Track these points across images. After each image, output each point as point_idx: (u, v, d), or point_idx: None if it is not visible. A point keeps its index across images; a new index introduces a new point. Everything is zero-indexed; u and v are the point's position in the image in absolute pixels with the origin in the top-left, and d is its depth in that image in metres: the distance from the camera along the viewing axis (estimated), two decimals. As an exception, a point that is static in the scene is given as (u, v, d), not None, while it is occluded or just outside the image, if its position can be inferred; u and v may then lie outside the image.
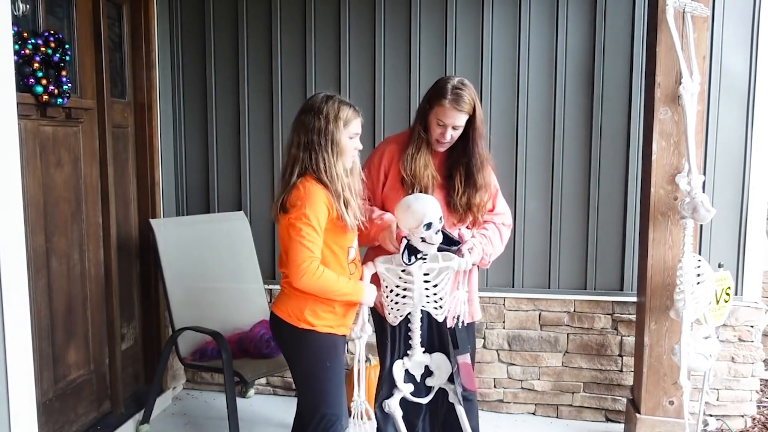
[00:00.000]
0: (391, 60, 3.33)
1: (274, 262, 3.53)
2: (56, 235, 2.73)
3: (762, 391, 3.56)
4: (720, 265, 2.80)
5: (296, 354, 2.15)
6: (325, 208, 2.03)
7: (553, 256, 3.29)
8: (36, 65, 2.47)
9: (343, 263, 2.15)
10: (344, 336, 2.21)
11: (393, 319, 2.25)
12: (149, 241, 3.23)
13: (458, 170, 2.29)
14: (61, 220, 2.76)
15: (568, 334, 3.31)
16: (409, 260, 2.14)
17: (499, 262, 3.26)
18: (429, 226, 2.06)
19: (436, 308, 2.22)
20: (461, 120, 2.21)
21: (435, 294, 2.21)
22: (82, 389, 2.93)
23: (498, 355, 3.38)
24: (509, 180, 3.26)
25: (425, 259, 2.16)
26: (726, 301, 2.78)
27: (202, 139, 3.55)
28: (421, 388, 2.35)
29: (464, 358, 2.36)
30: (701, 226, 3.06)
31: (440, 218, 2.10)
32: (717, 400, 3.19)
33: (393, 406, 2.32)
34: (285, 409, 3.47)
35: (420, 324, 2.27)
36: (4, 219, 2.00)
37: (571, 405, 3.36)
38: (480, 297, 3.28)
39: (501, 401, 3.40)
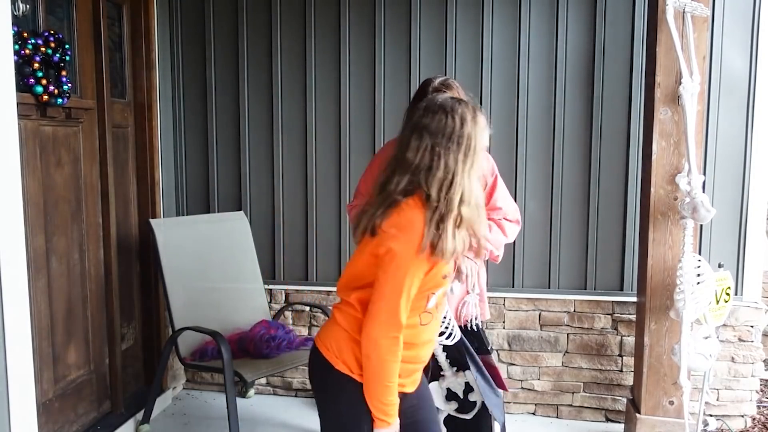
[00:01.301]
0: (391, 60, 3.33)
1: (275, 262, 3.53)
2: (56, 235, 2.72)
3: (762, 391, 3.56)
4: (720, 265, 2.79)
5: (327, 399, 1.76)
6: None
7: (553, 256, 3.29)
8: (36, 65, 2.47)
9: (418, 311, 1.68)
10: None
11: None
12: (149, 241, 3.23)
13: None
14: (61, 220, 2.76)
15: (568, 334, 3.31)
16: None
17: (499, 262, 3.28)
18: None
19: (439, 335, 2.20)
20: None
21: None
22: (82, 389, 2.92)
23: (498, 355, 3.38)
24: (509, 180, 3.25)
25: None
26: (726, 301, 2.78)
27: (202, 139, 3.55)
28: (465, 404, 2.37)
29: (488, 359, 2.38)
30: (701, 226, 3.06)
31: None
32: (717, 400, 3.19)
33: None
34: (285, 409, 3.47)
35: (441, 347, 2.27)
36: (4, 219, 2.00)
37: (571, 405, 3.36)
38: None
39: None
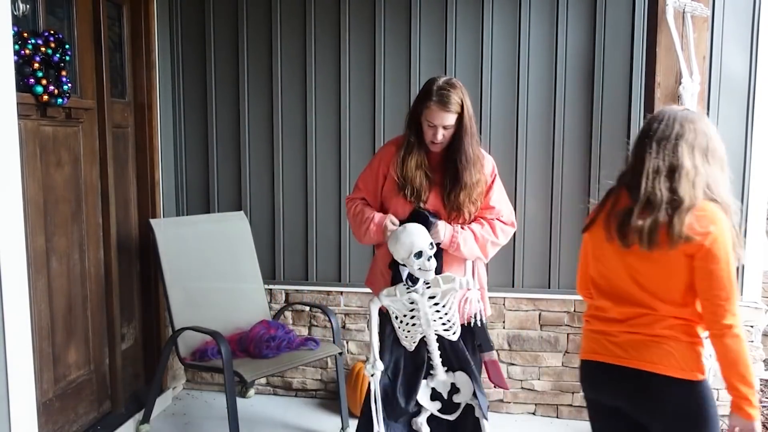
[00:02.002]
0: (391, 60, 3.33)
1: (275, 262, 3.53)
2: (56, 235, 2.72)
3: (762, 391, 3.56)
4: (720, 265, 2.79)
5: (699, 418, 1.74)
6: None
7: (553, 256, 3.29)
8: (36, 65, 2.47)
9: None
10: None
11: (408, 345, 2.29)
12: (149, 241, 3.23)
13: (449, 168, 2.31)
14: (61, 220, 2.76)
15: (568, 334, 3.31)
16: (414, 283, 2.20)
17: (499, 262, 3.28)
18: (419, 254, 2.13)
19: (446, 329, 2.25)
20: (450, 120, 2.23)
21: (443, 316, 2.24)
22: (82, 389, 2.92)
23: (498, 355, 3.37)
24: (509, 180, 3.26)
25: (427, 284, 2.21)
26: (726, 301, 2.77)
27: (202, 139, 3.55)
28: (449, 405, 2.38)
29: (490, 356, 2.41)
30: (701, 226, 3.05)
31: (431, 244, 2.17)
32: (717, 400, 3.18)
33: (420, 422, 2.37)
34: (285, 409, 3.47)
35: (437, 345, 2.29)
36: (4, 219, 2.00)
37: (571, 405, 3.35)
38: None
39: (501, 401, 3.40)
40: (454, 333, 2.25)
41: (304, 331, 3.53)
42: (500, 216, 2.39)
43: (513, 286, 3.34)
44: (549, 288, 3.31)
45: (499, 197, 2.41)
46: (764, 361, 3.46)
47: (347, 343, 3.49)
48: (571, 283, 3.28)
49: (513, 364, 3.37)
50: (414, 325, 2.25)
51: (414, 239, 2.15)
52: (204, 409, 3.47)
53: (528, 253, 3.31)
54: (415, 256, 2.13)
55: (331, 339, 3.22)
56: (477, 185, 2.31)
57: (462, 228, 2.31)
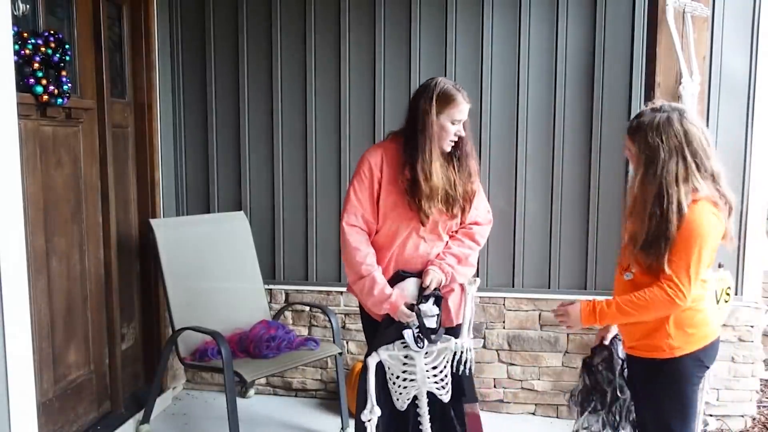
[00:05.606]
0: (391, 60, 3.33)
1: (275, 262, 3.53)
2: (56, 235, 2.72)
3: (762, 391, 3.56)
4: (720, 265, 2.79)
5: None
6: None
7: (553, 256, 3.29)
8: (36, 65, 2.47)
9: None
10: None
11: (400, 404, 2.29)
12: (149, 241, 3.23)
13: (451, 164, 2.30)
14: (61, 220, 2.76)
15: (568, 334, 3.31)
16: (422, 344, 2.23)
17: (499, 262, 3.28)
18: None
19: (439, 388, 2.26)
20: (467, 112, 2.27)
21: (437, 374, 2.25)
22: (82, 389, 2.93)
23: (498, 355, 3.37)
24: (509, 180, 3.26)
25: (432, 341, 2.23)
26: (726, 301, 2.77)
27: (202, 139, 3.55)
28: None
29: (473, 408, 2.41)
30: (701, 226, 3.05)
31: (425, 290, 2.27)
32: (717, 400, 3.19)
33: None
34: (285, 409, 3.47)
35: (427, 408, 2.30)
36: (4, 219, 2.00)
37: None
38: (480, 297, 3.30)
39: (501, 401, 3.40)
40: (446, 393, 2.26)
41: (304, 331, 3.53)
42: (477, 218, 2.38)
43: (513, 286, 3.34)
44: (549, 288, 3.31)
45: (480, 196, 2.42)
46: (764, 361, 3.46)
47: (347, 343, 3.49)
48: (571, 283, 3.29)
49: (513, 364, 3.37)
50: (406, 380, 2.26)
51: (409, 289, 2.26)
52: (204, 409, 3.47)
53: (528, 253, 3.31)
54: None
55: (331, 339, 3.22)
56: (476, 174, 2.35)
57: (443, 256, 2.31)
